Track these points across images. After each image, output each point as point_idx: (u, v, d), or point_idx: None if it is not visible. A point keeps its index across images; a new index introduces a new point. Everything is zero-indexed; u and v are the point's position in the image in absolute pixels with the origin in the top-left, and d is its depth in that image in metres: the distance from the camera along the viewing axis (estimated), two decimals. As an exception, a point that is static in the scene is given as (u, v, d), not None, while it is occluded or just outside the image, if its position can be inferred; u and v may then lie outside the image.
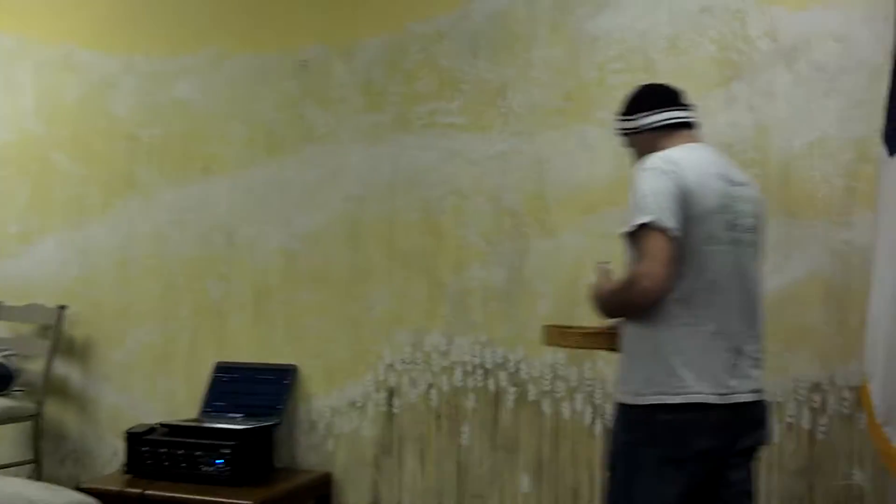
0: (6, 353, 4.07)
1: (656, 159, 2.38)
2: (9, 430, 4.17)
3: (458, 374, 3.47)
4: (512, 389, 3.39)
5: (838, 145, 2.95)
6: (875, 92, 2.87)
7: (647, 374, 2.35)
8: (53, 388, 4.12)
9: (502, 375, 3.41)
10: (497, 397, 3.42)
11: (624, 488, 2.39)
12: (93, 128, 4.11)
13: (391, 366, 3.57)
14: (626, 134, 2.58)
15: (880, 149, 2.75)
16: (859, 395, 2.82)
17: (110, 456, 4.01)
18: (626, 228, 2.33)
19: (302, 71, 3.73)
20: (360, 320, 3.64)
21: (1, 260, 4.28)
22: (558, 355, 3.32)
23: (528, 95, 3.37)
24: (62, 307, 4.08)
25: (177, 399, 3.92)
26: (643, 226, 2.30)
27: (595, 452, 3.24)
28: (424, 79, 3.53)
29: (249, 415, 3.67)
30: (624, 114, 2.58)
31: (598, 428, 3.25)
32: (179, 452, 3.46)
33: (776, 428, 2.97)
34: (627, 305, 2.38)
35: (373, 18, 3.62)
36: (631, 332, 2.42)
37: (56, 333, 4.06)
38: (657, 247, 2.29)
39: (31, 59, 4.23)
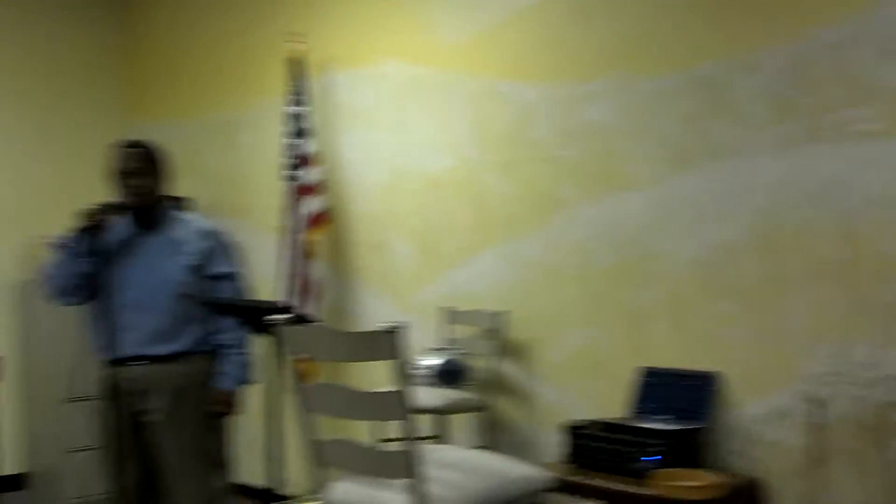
0: (458, 351, 4.53)
1: None
2: (463, 419, 4.65)
3: (888, 387, 3.27)
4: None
5: None
6: None
7: None
8: (499, 383, 4.52)
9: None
10: (932, 414, 3.18)
11: None
12: (519, 152, 4.42)
13: (817, 377, 3.46)
14: None
15: None
16: None
17: (547, 447, 4.31)
18: None
19: (703, 87, 3.71)
20: (778, 330, 3.56)
21: (450, 271, 4.76)
22: None
23: (956, 95, 3.06)
24: (502, 312, 4.45)
25: (605, 399, 4.12)
26: None
27: None
28: (834, 87, 3.34)
29: (676, 417, 3.76)
30: None
31: None
32: (614, 448, 3.67)
33: None
34: None
35: (775, 29, 3.48)
36: None
37: (498, 335, 4.45)
38: None
39: (465, 92, 4.62)
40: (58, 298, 3.60)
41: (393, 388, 2.52)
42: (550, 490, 2.98)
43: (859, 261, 3.32)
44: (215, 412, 3.54)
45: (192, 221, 3.70)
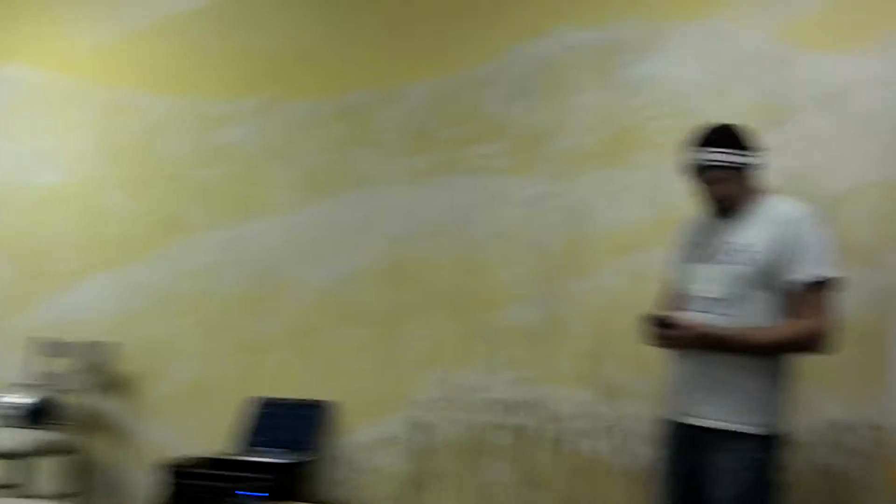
0: (50, 387, 4.18)
1: (811, 209, 2.61)
2: (55, 462, 4.24)
3: (492, 412, 3.54)
4: (547, 427, 3.44)
5: (876, 191, 3.02)
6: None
7: (777, 405, 2.58)
8: (97, 422, 4.22)
9: (536, 414, 3.46)
10: (531, 436, 3.46)
11: None
12: (144, 169, 4.30)
13: (425, 403, 3.65)
14: (736, 168, 2.62)
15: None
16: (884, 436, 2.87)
17: (151, 487, 4.06)
18: (812, 277, 2.52)
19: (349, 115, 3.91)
20: (397, 358, 3.73)
21: (52, 296, 4.42)
22: (594, 393, 3.38)
23: (571, 140, 3.50)
24: (106, 343, 4.20)
25: (216, 433, 3.98)
26: (826, 280, 2.53)
27: (629, 493, 3.26)
28: (469, 123, 3.68)
29: (287, 449, 3.74)
30: (739, 147, 2.64)
31: (633, 467, 3.28)
32: (220, 485, 3.56)
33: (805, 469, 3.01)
34: (801, 351, 2.59)
35: (420, 64, 3.79)
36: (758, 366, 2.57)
37: (100, 369, 4.19)
38: (831, 303, 2.55)
39: (90, 103, 4.44)
40: None
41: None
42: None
43: (479, 290, 3.61)
44: None
45: None
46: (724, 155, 2.62)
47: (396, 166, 3.82)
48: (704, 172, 2.65)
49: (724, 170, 2.62)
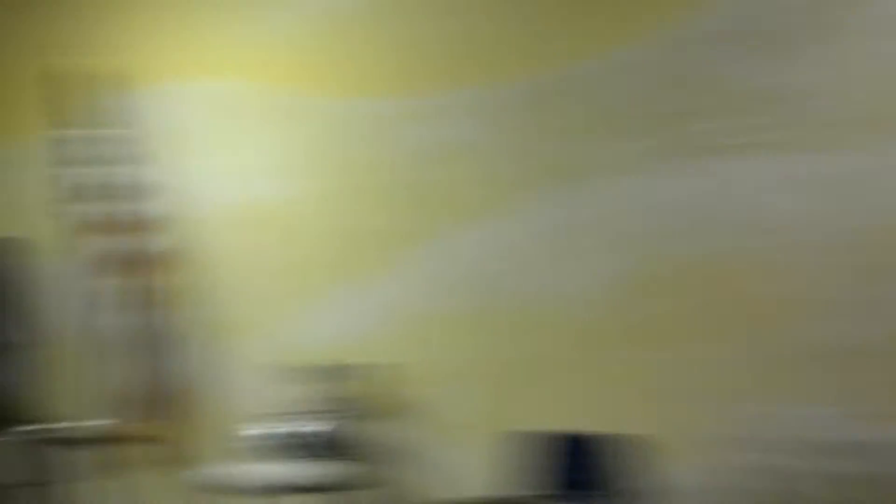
0: (327, 413, 4.01)
1: None
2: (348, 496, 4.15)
3: (811, 455, 2.92)
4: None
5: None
6: None
7: None
8: (387, 451, 4.01)
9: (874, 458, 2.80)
10: (867, 487, 2.83)
11: None
12: (354, 178, 3.92)
13: (734, 443, 3.06)
14: None
15: None
16: None
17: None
18: None
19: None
20: (692, 386, 3.13)
21: (283, 319, 4.20)
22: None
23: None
24: (383, 366, 3.92)
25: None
26: None
27: None
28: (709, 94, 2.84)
29: (594, 492, 3.28)
30: None
31: None
32: None
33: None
34: None
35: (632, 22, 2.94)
36: None
37: (379, 393, 3.93)
38: None
39: (280, 110, 4.07)
40: None
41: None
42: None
43: (771, 300, 2.91)
44: None
45: None
46: None
47: (632, 151, 3.08)
48: None
49: None
